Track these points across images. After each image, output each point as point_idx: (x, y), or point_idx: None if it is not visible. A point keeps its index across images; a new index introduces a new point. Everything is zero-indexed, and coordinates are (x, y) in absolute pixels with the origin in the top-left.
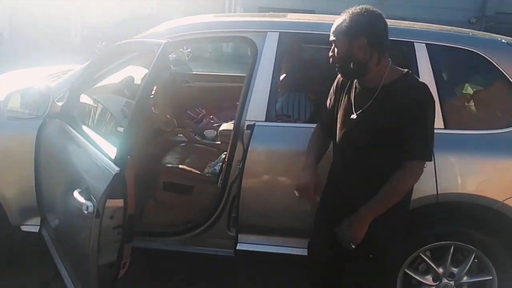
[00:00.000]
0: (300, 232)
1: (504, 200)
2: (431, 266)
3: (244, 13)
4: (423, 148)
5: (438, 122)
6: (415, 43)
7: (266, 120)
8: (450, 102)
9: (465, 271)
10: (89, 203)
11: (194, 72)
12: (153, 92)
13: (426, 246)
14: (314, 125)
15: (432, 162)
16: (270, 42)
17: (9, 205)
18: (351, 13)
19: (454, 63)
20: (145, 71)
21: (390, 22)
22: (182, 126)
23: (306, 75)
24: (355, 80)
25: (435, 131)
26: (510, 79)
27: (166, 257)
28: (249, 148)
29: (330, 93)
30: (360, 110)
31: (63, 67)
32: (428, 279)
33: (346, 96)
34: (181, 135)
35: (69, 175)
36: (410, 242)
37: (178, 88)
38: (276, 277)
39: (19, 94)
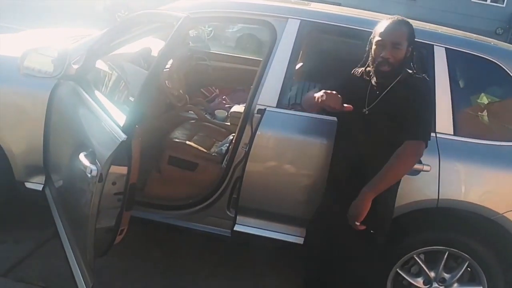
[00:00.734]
0: (298, 220)
1: (504, 213)
2: (424, 269)
3: None
4: (418, 129)
5: (448, 128)
6: (435, 46)
7: (277, 106)
8: (462, 109)
9: (456, 278)
10: (93, 167)
11: (212, 51)
12: (168, 65)
13: (420, 249)
14: (324, 116)
15: (437, 166)
16: (291, 28)
17: (16, 160)
18: (405, 21)
19: (472, 71)
20: (163, 44)
21: (414, 23)
22: (194, 103)
23: (323, 66)
24: (370, 78)
25: (444, 136)
26: None
27: (164, 230)
28: (257, 132)
29: (345, 83)
30: (372, 105)
31: (82, 30)
32: (419, 282)
33: (359, 89)
34: (191, 112)
35: (77, 138)
36: (405, 243)
37: (194, 65)
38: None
39: (36, 52)
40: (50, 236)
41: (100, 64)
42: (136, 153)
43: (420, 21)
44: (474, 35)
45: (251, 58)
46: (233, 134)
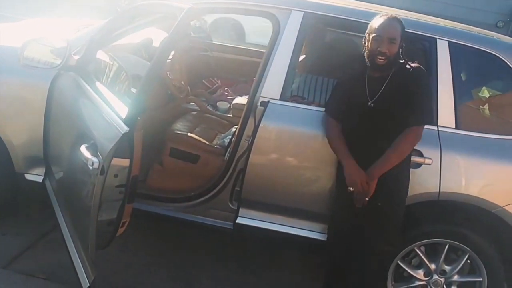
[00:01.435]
0: (301, 213)
1: (504, 206)
2: (424, 261)
3: None
4: (423, 115)
5: (450, 121)
6: (437, 40)
7: (280, 99)
8: (464, 103)
9: (456, 270)
10: (94, 159)
11: (214, 42)
12: (170, 57)
13: (421, 241)
14: None
15: (439, 159)
16: (294, 20)
17: (16, 152)
18: (397, 18)
19: (475, 64)
20: (165, 34)
21: (416, 16)
22: (196, 95)
23: (326, 59)
24: (366, 72)
25: (445, 129)
26: None
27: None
28: (261, 125)
29: (342, 84)
30: (376, 97)
31: (83, 21)
32: (420, 274)
33: (357, 85)
34: (193, 103)
35: (78, 130)
36: (407, 236)
37: (196, 56)
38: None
39: (36, 42)
40: (51, 228)
41: (101, 55)
42: (138, 145)
43: (421, 13)
44: (476, 28)
45: (254, 50)
46: (236, 126)
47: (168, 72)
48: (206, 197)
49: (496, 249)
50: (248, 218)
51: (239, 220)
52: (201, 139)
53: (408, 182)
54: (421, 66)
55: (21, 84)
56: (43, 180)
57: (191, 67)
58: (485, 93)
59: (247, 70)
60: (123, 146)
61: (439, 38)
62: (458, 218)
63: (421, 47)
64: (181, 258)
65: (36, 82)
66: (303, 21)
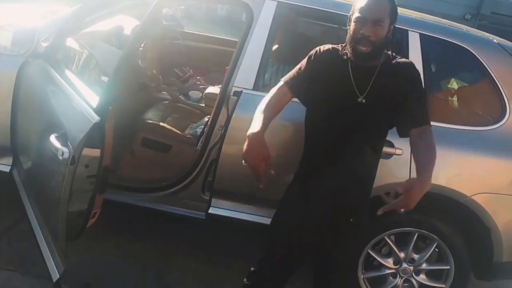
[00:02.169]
0: (273, 203)
1: (472, 196)
2: (394, 250)
3: None
4: (427, 114)
5: None
6: (409, 32)
7: (253, 89)
8: (434, 95)
9: (425, 258)
10: (65, 149)
11: (185, 30)
12: (142, 45)
13: (391, 230)
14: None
15: (409, 150)
16: (267, 10)
17: None
18: None
19: (444, 57)
20: (136, 22)
21: None
22: (167, 84)
23: (300, 49)
24: (349, 60)
25: None
26: (495, 80)
27: (137, 213)
28: (233, 115)
29: (304, 63)
30: (366, 93)
31: (52, 7)
32: (389, 262)
33: (337, 76)
34: (165, 92)
35: (47, 119)
36: (376, 225)
37: (168, 45)
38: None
39: (3, 29)
40: (18, 219)
41: (71, 42)
42: (109, 135)
43: None
44: (444, 20)
45: (226, 39)
46: (208, 116)
47: (139, 61)
48: (178, 187)
49: (464, 238)
50: (220, 208)
51: (211, 210)
52: (173, 129)
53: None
54: (413, 62)
55: None
56: (10, 170)
57: (162, 56)
58: (454, 84)
59: (220, 59)
60: (94, 136)
61: (411, 30)
62: (427, 207)
63: (393, 38)
64: (151, 249)
65: (3, 69)
66: (276, 10)
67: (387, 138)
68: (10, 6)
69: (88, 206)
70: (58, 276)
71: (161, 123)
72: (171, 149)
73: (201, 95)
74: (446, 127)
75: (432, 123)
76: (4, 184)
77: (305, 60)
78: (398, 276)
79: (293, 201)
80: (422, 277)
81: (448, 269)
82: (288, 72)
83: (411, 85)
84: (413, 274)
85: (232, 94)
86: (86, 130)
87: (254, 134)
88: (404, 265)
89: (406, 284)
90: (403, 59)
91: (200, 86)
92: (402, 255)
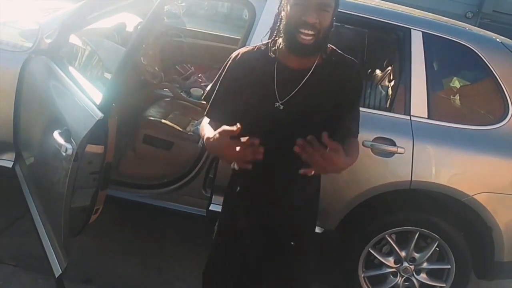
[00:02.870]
0: None
1: (473, 195)
2: (395, 248)
3: None
4: (358, 125)
5: (422, 111)
6: (412, 30)
7: None
8: (436, 93)
9: (426, 257)
10: (68, 145)
11: (187, 28)
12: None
13: (392, 229)
14: None
15: (411, 149)
16: (270, 8)
17: None
18: None
19: (447, 55)
20: (138, 19)
21: (388, 5)
22: (169, 81)
23: None
24: (276, 60)
25: (418, 119)
26: (498, 79)
27: (138, 209)
28: None
29: (225, 73)
30: (288, 97)
31: (54, 3)
32: (390, 261)
33: (259, 78)
34: (166, 89)
35: (50, 115)
36: (378, 224)
37: (169, 42)
38: None
39: (7, 25)
40: (20, 215)
41: (74, 39)
42: (112, 132)
43: (392, 3)
44: (446, 18)
45: (228, 36)
46: None
47: (142, 58)
48: (179, 183)
49: (465, 237)
50: (221, 205)
51: (212, 207)
52: (175, 126)
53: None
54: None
55: None
56: (13, 165)
57: (164, 53)
58: (456, 83)
59: (221, 56)
60: (98, 133)
61: (413, 29)
62: (429, 206)
63: (395, 37)
64: (152, 245)
65: (6, 65)
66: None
67: (389, 137)
68: (13, 3)
69: (91, 202)
70: (60, 272)
71: (162, 120)
72: (173, 146)
73: (202, 92)
74: (448, 126)
75: (434, 122)
76: (7, 179)
77: (220, 72)
78: (398, 275)
79: (225, 236)
80: (423, 276)
81: (449, 268)
82: None
83: (350, 95)
84: (414, 273)
85: None
86: (89, 127)
87: (207, 140)
88: (405, 264)
89: (406, 283)
90: (346, 59)
91: (202, 83)
92: (403, 254)
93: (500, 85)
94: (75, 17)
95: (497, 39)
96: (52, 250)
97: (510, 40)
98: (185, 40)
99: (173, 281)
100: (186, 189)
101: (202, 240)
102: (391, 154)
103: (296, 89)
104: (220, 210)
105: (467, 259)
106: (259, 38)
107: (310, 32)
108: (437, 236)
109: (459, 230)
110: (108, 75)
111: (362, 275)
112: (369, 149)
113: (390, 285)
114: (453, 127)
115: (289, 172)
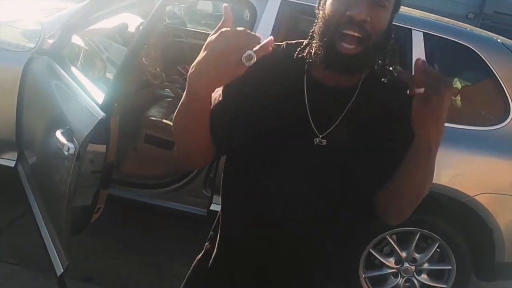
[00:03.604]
0: None
1: (474, 196)
2: (396, 249)
3: None
4: None
5: None
6: (413, 31)
7: None
8: None
9: (427, 258)
10: (70, 145)
11: (188, 28)
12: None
13: (393, 230)
14: None
15: None
16: (271, 8)
17: None
18: None
19: (448, 56)
20: (140, 20)
21: None
22: (170, 81)
23: None
24: (306, 72)
25: None
26: (499, 80)
27: (139, 208)
28: None
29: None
30: (333, 127)
31: (56, 3)
32: (391, 262)
33: (283, 98)
34: (168, 89)
35: (53, 114)
36: (378, 224)
37: (171, 42)
38: None
39: (9, 25)
40: (21, 213)
41: (76, 39)
42: (114, 131)
43: None
44: (447, 19)
45: None
46: None
47: (143, 58)
48: (180, 183)
49: (465, 238)
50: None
51: (212, 207)
52: None
53: None
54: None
55: None
56: (15, 165)
57: (166, 54)
58: (457, 84)
59: None
60: (100, 132)
61: (414, 29)
62: (429, 207)
63: (396, 38)
64: (153, 244)
65: (9, 65)
66: (280, 8)
67: None
68: (15, 3)
69: (93, 201)
70: (62, 271)
71: (164, 120)
72: (174, 145)
73: None
74: (449, 127)
75: None
76: (9, 178)
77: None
78: (399, 275)
79: None
80: (423, 277)
81: (449, 269)
82: None
83: (401, 122)
84: (415, 273)
85: None
86: (91, 126)
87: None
88: (406, 264)
89: (407, 284)
90: (398, 79)
91: None
92: (403, 254)
93: (501, 86)
94: (77, 18)
95: (498, 40)
96: (53, 248)
97: (511, 41)
98: (186, 41)
99: (173, 280)
100: (187, 189)
101: (202, 239)
102: None
103: (340, 118)
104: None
105: (467, 260)
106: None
107: (355, 35)
108: (437, 236)
109: (459, 231)
110: (110, 75)
111: (363, 276)
112: None
113: (391, 286)
114: (454, 127)
115: (327, 240)
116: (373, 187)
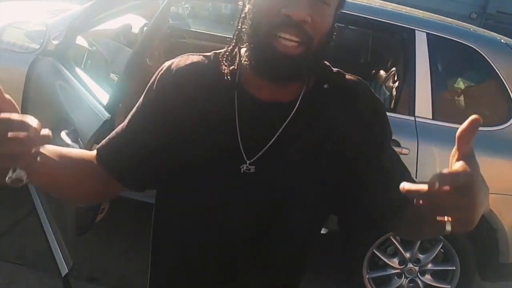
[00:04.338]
0: None
1: None
2: (399, 250)
3: None
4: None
5: (427, 112)
6: (416, 31)
7: None
8: (440, 94)
9: (430, 258)
10: (75, 145)
11: (191, 29)
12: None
13: None
14: None
15: (415, 150)
16: None
17: None
18: None
19: (451, 56)
20: (144, 21)
21: (391, 6)
22: None
23: None
24: (234, 88)
25: (422, 120)
26: (503, 80)
27: (143, 209)
28: None
29: (139, 105)
30: (261, 152)
31: (61, 4)
32: (394, 262)
33: (209, 120)
34: None
35: (57, 115)
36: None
37: (174, 43)
38: None
39: (14, 27)
40: (26, 213)
41: (81, 40)
42: None
43: (395, 4)
44: (450, 19)
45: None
46: None
47: (147, 59)
48: None
49: (469, 239)
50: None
51: None
52: None
53: None
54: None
55: None
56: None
57: (169, 54)
58: (461, 84)
59: None
60: (104, 133)
61: (418, 30)
62: None
63: (400, 38)
64: None
65: (14, 66)
66: None
67: (394, 138)
68: (20, 4)
69: None
70: (67, 271)
71: None
72: None
73: None
74: (452, 127)
75: (439, 122)
76: None
77: (142, 98)
78: (403, 276)
79: None
80: (427, 278)
81: (453, 269)
82: None
83: (378, 137)
84: (418, 274)
85: None
86: (96, 127)
87: None
88: (410, 265)
89: (411, 284)
90: (350, 81)
91: None
92: (407, 255)
93: (505, 86)
94: (81, 19)
95: (502, 40)
96: (58, 249)
97: None
98: (189, 42)
99: None
100: None
101: None
102: None
103: (275, 138)
104: None
105: (471, 260)
106: None
107: (293, 39)
108: (441, 237)
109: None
110: (114, 76)
111: (367, 276)
112: None
113: (395, 287)
114: (457, 127)
115: (260, 276)
116: (308, 221)
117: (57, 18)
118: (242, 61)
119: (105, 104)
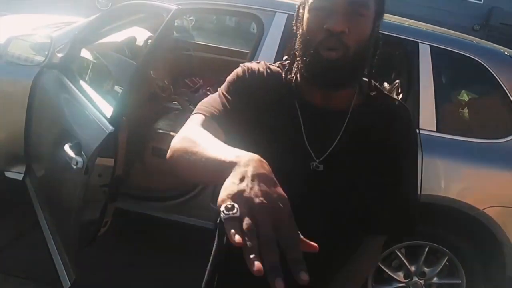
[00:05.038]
0: None
1: (483, 209)
2: (404, 263)
3: None
4: (413, 217)
5: (431, 124)
6: (420, 44)
7: None
8: (445, 106)
9: (436, 272)
10: (79, 159)
11: (196, 41)
12: None
13: (402, 243)
14: None
15: (420, 162)
16: (278, 22)
17: None
18: None
19: (455, 68)
20: (148, 33)
21: (395, 19)
22: (178, 94)
23: None
24: (295, 94)
25: (427, 132)
26: (507, 92)
27: (147, 222)
28: None
29: (230, 88)
30: (327, 153)
31: (65, 17)
32: (400, 276)
33: (277, 121)
34: (175, 102)
35: (61, 128)
36: (387, 238)
37: (178, 55)
38: None
39: (20, 39)
40: (30, 226)
41: (85, 53)
42: (122, 145)
43: (394, 14)
44: (453, 32)
45: (236, 50)
46: None
47: (151, 71)
48: (188, 196)
49: (475, 252)
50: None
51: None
52: None
53: None
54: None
55: (3, 80)
56: (24, 178)
57: (173, 66)
58: (465, 96)
59: (229, 70)
60: (108, 146)
61: (421, 42)
62: (438, 220)
63: (403, 50)
64: (160, 257)
65: (19, 79)
66: (287, 22)
67: None
68: (24, 17)
69: (100, 214)
70: (70, 285)
71: (171, 133)
72: None
73: None
74: (457, 140)
75: (443, 135)
76: (17, 192)
77: (224, 86)
78: None
79: None
80: None
81: (459, 283)
82: None
83: (406, 148)
84: None
85: None
86: (100, 140)
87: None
88: (415, 278)
89: None
90: (395, 102)
91: None
92: (412, 268)
93: (509, 98)
94: (86, 32)
95: (505, 53)
96: (61, 262)
97: None
98: (193, 54)
99: None
100: (194, 202)
101: (211, 252)
102: None
103: (337, 139)
104: None
105: (477, 274)
106: (267, 52)
107: (334, 47)
108: (447, 250)
109: (469, 244)
110: (118, 89)
111: None
112: None
113: None
114: (462, 140)
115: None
116: (367, 213)
117: (62, 31)
118: (299, 73)
119: (108, 117)
